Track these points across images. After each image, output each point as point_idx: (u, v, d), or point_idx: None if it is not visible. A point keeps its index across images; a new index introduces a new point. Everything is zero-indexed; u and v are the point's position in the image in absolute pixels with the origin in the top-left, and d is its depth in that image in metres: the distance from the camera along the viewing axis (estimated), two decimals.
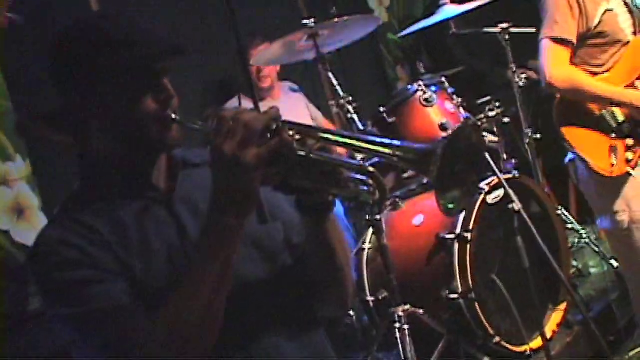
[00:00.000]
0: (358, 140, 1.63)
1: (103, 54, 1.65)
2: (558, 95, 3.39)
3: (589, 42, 3.38)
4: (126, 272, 1.64)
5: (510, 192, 3.08)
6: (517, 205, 3.03)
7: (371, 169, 1.59)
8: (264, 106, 4.33)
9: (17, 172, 3.79)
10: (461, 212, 1.55)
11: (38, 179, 3.87)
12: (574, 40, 3.33)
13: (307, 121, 4.55)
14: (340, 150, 2.81)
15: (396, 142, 1.58)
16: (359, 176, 1.63)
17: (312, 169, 1.61)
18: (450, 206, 1.57)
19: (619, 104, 3.33)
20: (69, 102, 1.72)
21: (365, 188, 1.62)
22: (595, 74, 3.37)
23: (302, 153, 1.58)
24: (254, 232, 1.77)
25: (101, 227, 1.66)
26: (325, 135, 1.63)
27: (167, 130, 1.69)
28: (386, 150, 1.59)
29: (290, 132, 1.58)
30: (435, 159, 1.51)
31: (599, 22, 3.34)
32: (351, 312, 3.74)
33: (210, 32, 4.57)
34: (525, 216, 3.11)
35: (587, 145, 3.34)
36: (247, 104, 3.89)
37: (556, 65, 3.32)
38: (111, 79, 1.66)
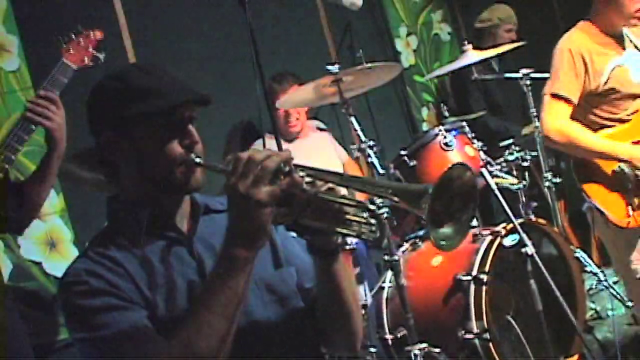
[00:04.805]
0: (361, 182, 1.79)
1: (133, 102, 1.78)
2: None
3: (605, 98, 3.44)
4: (149, 306, 1.73)
5: (524, 236, 3.15)
6: (530, 250, 3.09)
7: (371, 206, 1.73)
8: (293, 146, 4.37)
9: (51, 206, 3.87)
10: (454, 248, 1.66)
11: (71, 213, 3.97)
12: (574, 99, 3.40)
13: (334, 159, 4.61)
14: (362, 195, 2.92)
15: (395, 184, 1.72)
16: (364, 216, 1.75)
17: (320, 209, 1.73)
18: (442, 242, 1.68)
19: (614, 159, 3.38)
20: (101, 145, 1.84)
21: (368, 228, 1.75)
22: (612, 127, 3.44)
23: (311, 193, 1.70)
24: (268, 277, 1.88)
25: (126, 262, 1.77)
26: (332, 178, 1.75)
27: (191, 172, 1.81)
28: (384, 191, 1.71)
29: (302, 174, 1.70)
30: (426, 197, 1.62)
31: (608, 79, 3.40)
32: (373, 349, 3.77)
33: (237, 74, 4.56)
34: (538, 260, 3.17)
35: (605, 198, 3.40)
36: (272, 142, 3.92)
37: (554, 120, 3.40)
38: (140, 125, 1.78)
